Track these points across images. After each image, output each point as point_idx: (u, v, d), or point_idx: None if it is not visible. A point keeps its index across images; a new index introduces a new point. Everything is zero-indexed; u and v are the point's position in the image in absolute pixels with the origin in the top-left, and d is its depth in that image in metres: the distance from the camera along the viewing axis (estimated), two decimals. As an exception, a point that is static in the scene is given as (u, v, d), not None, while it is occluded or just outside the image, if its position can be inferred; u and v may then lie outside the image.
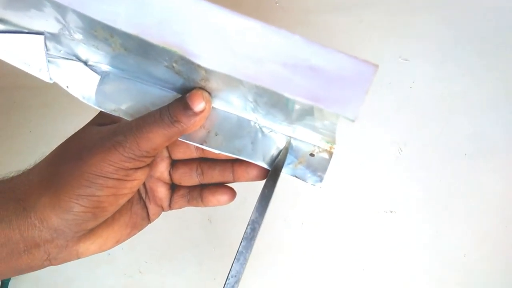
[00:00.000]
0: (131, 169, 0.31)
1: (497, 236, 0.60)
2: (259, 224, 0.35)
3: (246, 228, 0.36)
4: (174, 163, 0.39)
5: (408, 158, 0.64)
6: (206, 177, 0.39)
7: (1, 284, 0.62)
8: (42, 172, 0.31)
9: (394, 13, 0.70)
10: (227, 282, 0.34)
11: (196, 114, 0.32)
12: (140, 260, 0.62)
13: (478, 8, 0.69)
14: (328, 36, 0.68)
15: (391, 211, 0.62)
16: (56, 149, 0.33)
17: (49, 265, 0.32)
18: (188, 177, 0.39)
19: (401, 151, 0.64)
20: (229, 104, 0.35)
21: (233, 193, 0.39)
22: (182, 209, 0.63)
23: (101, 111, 0.36)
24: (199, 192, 0.39)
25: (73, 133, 0.36)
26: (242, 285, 0.35)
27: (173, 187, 0.40)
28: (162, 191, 0.39)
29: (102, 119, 0.35)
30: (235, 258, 0.35)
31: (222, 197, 0.38)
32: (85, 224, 0.31)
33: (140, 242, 0.63)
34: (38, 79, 0.36)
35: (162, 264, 0.62)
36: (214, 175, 0.38)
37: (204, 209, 0.64)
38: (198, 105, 0.32)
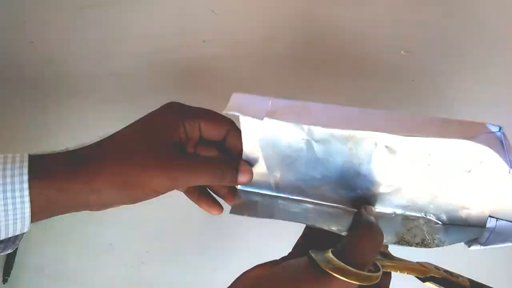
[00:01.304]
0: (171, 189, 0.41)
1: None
2: None
3: None
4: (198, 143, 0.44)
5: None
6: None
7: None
8: (110, 167, 0.38)
9: (397, 6, 0.69)
10: None
11: (236, 184, 0.43)
12: (141, 250, 0.62)
13: (481, 2, 0.69)
14: (331, 29, 0.67)
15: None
16: (128, 138, 0.40)
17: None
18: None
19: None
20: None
21: (220, 210, 0.46)
22: (184, 200, 0.64)
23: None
24: (198, 192, 0.46)
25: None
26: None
27: None
28: None
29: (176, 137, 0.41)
30: None
31: (213, 210, 0.46)
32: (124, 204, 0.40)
33: (142, 233, 0.63)
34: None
35: (163, 255, 0.62)
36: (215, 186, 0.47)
37: (205, 201, 0.64)
38: (242, 182, 0.42)
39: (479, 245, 0.41)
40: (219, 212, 0.46)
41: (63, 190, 0.36)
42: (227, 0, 0.73)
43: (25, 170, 0.35)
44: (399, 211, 0.43)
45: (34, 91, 0.69)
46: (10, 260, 0.62)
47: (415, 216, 0.43)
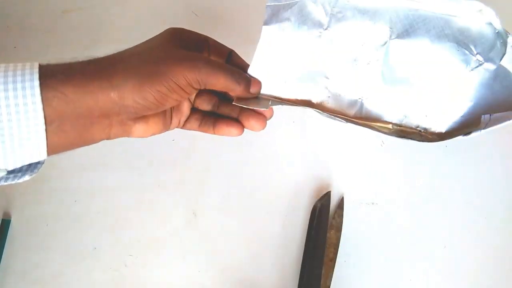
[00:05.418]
0: (193, 87, 0.40)
1: (476, 227, 0.61)
2: None
3: None
4: (200, 91, 0.45)
5: (389, 150, 0.65)
6: (219, 108, 0.47)
7: (2, 222, 0.64)
8: (128, 62, 0.38)
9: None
10: None
11: (250, 94, 0.44)
12: (125, 253, 0.62)
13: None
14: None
15: (372, 203, 0.63)
16: (142, 48, 0.41)
17: (106, 139, 0.40)
18: (206, 104, 0.47)
19: (383, 143, 0.65)
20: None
21: (242, 128, 0.45)
22: (167, 202, 0.64)
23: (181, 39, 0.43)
24: (212, 121, 0.46)
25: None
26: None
27: (193, 110, 0.47)
28: (185, 108, 0.46)
29: (184, 43, 0.42)
30: None
31: (233, 129, 0.45)
32: (147, 111, 0.39)
33: (125, 236, 0.63)
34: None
35: (147, 257, 0.62)
36: (226, 110, 0.47)
37: (188, 203, 0.64)
38: (254, 92, 0.44)
39: (479, 130, 0.42)
40: (240, 132, 0.46)
41: (80, 86, 0.35)
42: (208, 2, 0.73)
43: (35, 71, 0.34)
44: (395, 122, 0.46)
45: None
46: (-7, 266, 0.62)
47: (410, 128, 0.46)
